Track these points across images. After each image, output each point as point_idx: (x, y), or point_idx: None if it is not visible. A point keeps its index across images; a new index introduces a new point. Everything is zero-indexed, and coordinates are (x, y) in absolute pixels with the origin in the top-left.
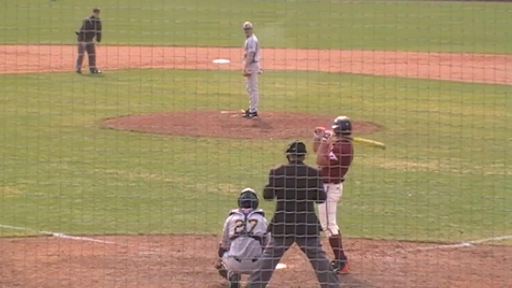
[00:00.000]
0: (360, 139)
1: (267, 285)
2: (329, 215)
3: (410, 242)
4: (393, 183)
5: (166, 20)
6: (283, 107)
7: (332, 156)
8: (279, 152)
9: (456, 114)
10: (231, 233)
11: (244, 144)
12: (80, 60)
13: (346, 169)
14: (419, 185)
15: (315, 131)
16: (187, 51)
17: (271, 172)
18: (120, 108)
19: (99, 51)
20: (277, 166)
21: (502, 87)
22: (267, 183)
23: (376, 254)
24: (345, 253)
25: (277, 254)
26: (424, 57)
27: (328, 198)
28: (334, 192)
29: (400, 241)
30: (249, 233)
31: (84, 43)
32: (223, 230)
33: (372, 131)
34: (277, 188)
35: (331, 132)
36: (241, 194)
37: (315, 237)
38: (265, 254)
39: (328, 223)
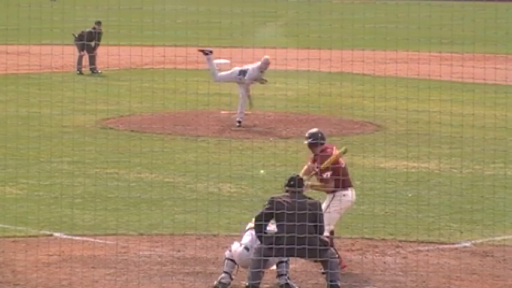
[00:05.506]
0: (326, 162)
1: (266, 286)
2: (328, 219)
3: (411, 242)
4: (393, 183)
5: (167, 20)
6: (284, 107)
7: (328, 175)
8: (280, 152)
9: (457, 114)
10: (249, 225)
11: (245, 144)
12: (80, 60)
13: (341, 174)
14: (419, 185)
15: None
16: (188, 51)
17: (271, 202)
18: (121, 108)
19: (100, 51)
20: (278, 198)
21: (502, 87)
22: (265, 209)
23: (377, 254)
24: (345, 253)
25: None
26: (424, 57)
27: (328, 208)
28: (338, 200)
29: (401, 241)
30: None
31: (84, 43)
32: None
33: (372, 131)
34: (278, 223)
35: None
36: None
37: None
38: (255, 254)
39: None
